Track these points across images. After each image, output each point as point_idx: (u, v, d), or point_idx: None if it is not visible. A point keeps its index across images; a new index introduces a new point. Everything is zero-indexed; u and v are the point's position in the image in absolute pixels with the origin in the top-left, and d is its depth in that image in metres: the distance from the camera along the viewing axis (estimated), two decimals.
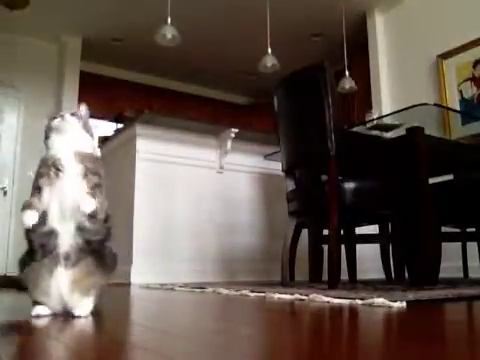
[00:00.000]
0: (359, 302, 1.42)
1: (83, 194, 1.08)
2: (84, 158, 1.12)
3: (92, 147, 1.19)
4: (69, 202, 1.07)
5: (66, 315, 1.08)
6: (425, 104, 2.22)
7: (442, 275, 2.56)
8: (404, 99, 4.49)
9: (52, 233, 1.06)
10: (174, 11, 3.92)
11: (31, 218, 1.04)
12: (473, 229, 2.88)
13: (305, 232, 2.90)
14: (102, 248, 1.14)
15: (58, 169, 1.08)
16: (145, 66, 6.45)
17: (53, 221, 1.07)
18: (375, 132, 2.58)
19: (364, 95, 5.11)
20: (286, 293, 1.74)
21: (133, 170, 3.17)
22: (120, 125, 5.08)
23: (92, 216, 1.08)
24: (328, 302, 1.48)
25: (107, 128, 5.38)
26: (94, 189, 1.10)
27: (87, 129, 1.18)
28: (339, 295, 1.57)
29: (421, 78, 4.45)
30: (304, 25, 5.43)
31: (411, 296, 1.47)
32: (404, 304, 1.33)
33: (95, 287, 1.12)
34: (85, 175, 1.10)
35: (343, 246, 2.96)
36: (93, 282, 1.11)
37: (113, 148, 3.61)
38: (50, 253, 1.06)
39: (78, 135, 1.16)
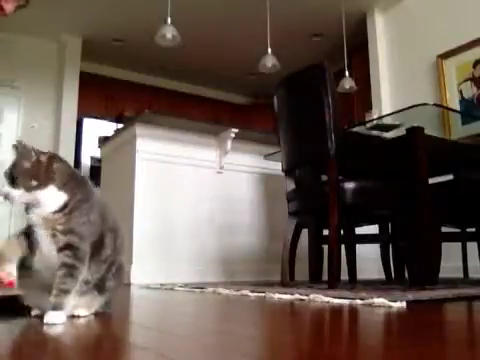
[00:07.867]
0: (359, 302, 1.42)
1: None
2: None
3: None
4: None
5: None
6: (425, 104, 2.22)
7: (442, 275, 2.56)
8: (404, 99, 4.49)
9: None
10: (174, 11, 3.92)
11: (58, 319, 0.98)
12: (473, 229, 2.88)
13: (305, 232, 2.90)
14: (101, 281, 1.12)
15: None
16: (145, 66, 6.45)
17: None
18: (375, 132, 2.58)
19: (364, 95, 5.11)
20: (286, 293, 1.74)
21: (133, 170, 3.17)
22: (120, 125, 5.07)
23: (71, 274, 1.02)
24: (328, 302, 1.48)
25: (107, 128, 5.38)
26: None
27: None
28: (339, 295, 1.57)
29: (421, 78, 4.45)
30: (304, 25, 5.42)
31: (411, 296, 1.47)
32: (404, 304, 1.33)
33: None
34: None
35: (343, 246, 2.96)
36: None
37: (113, 148, 3.61)
38: None
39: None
